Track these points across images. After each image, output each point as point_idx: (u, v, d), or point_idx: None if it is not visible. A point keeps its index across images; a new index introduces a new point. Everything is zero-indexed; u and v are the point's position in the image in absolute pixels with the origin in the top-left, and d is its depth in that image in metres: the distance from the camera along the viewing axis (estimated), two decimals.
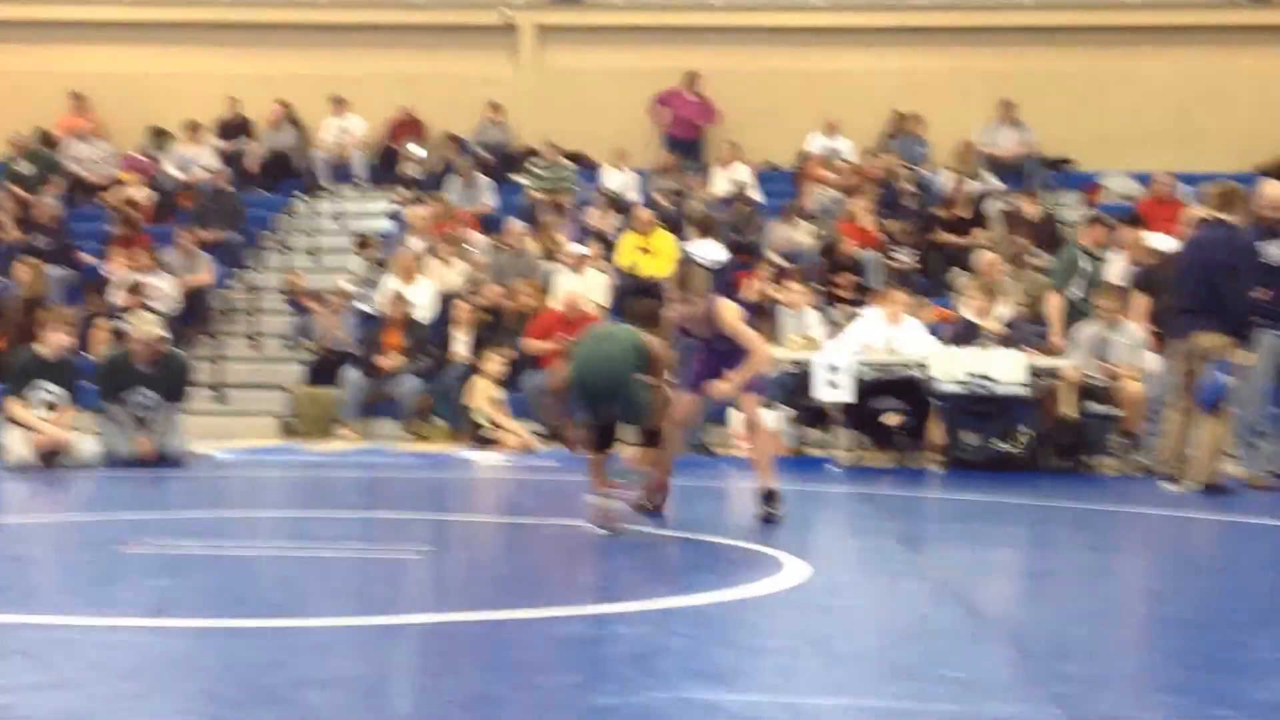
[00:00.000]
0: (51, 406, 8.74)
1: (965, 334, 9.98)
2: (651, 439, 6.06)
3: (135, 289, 12.77)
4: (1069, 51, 17.24)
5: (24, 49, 17.66)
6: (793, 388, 10.32)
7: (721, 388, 6.22)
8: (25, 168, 16.05)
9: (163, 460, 8.92)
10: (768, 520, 6.17)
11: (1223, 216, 8.28)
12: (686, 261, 6.74)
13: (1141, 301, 9.94)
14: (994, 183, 15.68)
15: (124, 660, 3.30)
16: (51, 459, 8.54)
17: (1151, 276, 9.90)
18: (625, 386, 5.81)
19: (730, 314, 6.26)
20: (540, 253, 14.05)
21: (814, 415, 10.78)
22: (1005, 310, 10.24)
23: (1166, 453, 8.47)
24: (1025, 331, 10.09)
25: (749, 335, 6.25)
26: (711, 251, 10.88)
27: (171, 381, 9.06)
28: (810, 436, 10.80)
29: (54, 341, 8.76)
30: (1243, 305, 8.14)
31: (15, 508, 7.15)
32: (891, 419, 10.07)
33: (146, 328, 8.86)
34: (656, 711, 2.90)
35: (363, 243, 14.39)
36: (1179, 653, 3.76)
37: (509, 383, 11.78)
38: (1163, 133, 16.64)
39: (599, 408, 6.00)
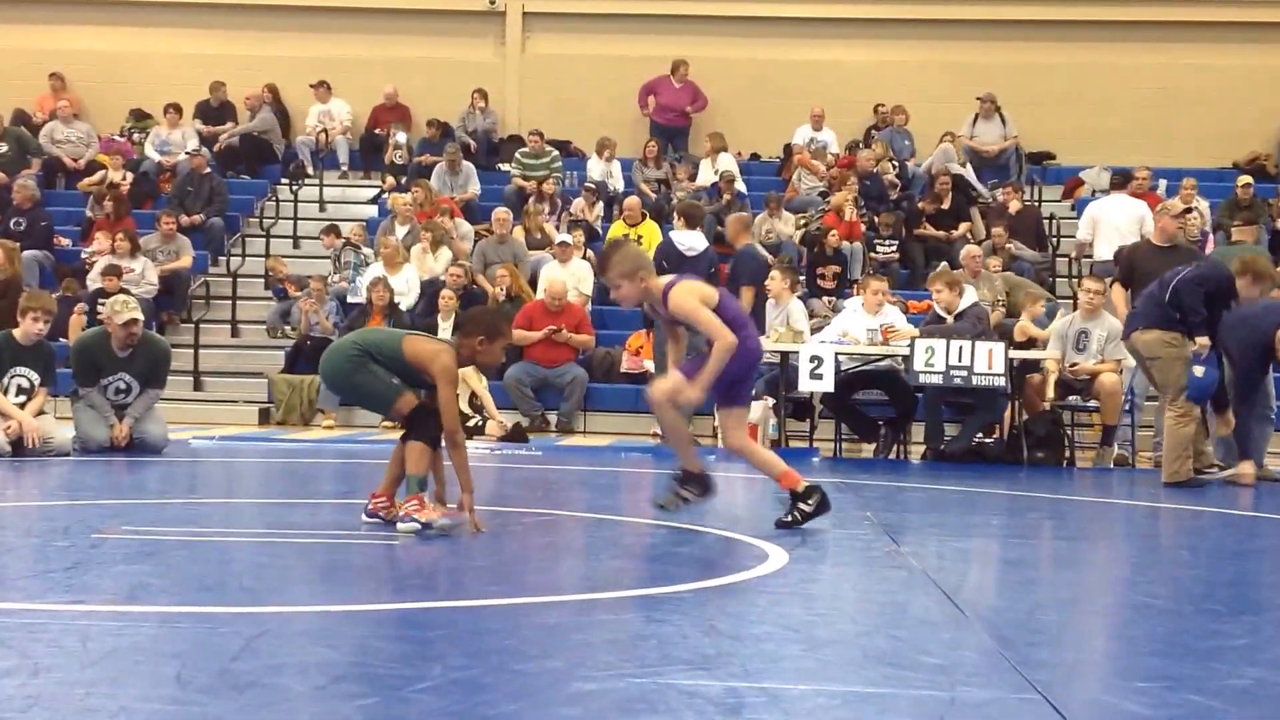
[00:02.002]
0: (27, 392, 8.67)
1: (936, 326, 10.01)
2: (410, 429, 5.38)
3: (113, 273, 12.70)
4: (1050, 46, 17.32)
5: (2, 28, 17.52)
6: (775, 379, 10.33)
7: (689, 395, 5.54)
8: (1, 149, 15.92)
9: (140, 447, 8.86)
10: (665, 506, 5.75)
11: (1237, 277, 8.28)
12: (613, 242, 6.23)
13: (1120, 292, 9.97)
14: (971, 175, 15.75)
15: (97, 646, 3.28)
16: (23, 446, 8.46)
17: (1133, 268, 9.91)
18: (341, 381, 5.42)
19: (683, 297, 5.50)
20: (525, 241, 14.03)
21: (797, 406, 10.80)
22: (970, 299, 10.26)
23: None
24: (972, 321, 10.07)
25: (710, 322, 5.44)
26: (691, 240, 10.88)
27: (149, 367, 9.00)
28: (793, 428, 10.82)
29: (29, 329, 8.66)
30: (1190, 307, 8.10)
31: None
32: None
33: (123, 312, 8.79)
34: (637, 697, 2.90)
35: (330, 229, 14.38)
36: (1153, 639, 3.78)
37: (490, 372, 11.76)
38: (1141, 127, 16.74)
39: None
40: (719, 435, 5.77)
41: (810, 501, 5.64)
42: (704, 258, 10.85)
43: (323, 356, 5.62)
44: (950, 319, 9.95)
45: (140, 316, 8.95)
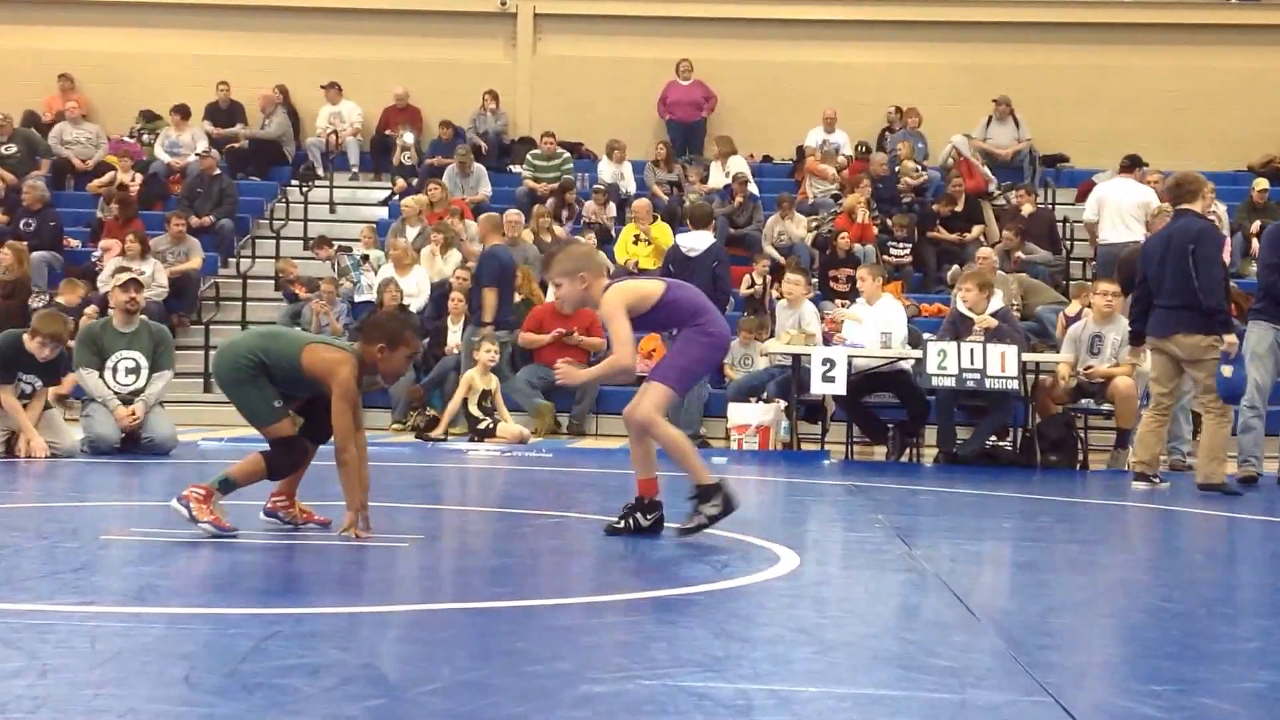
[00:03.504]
0: (29, 397, 8.62)
1: (958, 327, 9.98)
2: (270, 450, 5.22)
3: (123, 274, 12.71)
4: (1064, 48, 17.27)
5: (11, 29, 17.57)
6: (787, 381, 10.31)
7: (573, 373, 5.40)
8: (11, 150, 15.93)
9: (148, 448, 8.85)
10: (686, 529, 5.35)
11: (1185, 207, 8.15)
12: (562, 240, 5.93)
13: (1121, 296, 9.90)
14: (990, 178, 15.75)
15: (105, 647, 3.27)
16: (13, 446, 8.44)
17: (1124, 270, 9.85)
18: (227, 385, 5.25)
19: (608, 300, 5.18)
20: (536, 244, 14.01)
21: (809, 409, 10.77)
22: (997, 303, 10.26)
23: (1144, 453, 8.24)
24: (1012, 325, 10.11)
25: (617, 334, 5.16)
26: (693, 240, 10.93)
27: (154, 344, 9.04)
28: (805, 430, 10.78)
29: (37, 351, 8.56)
30: (1215, 295, 7.91)
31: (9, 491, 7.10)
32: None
33: (122, 275, 8.91)
34: (646, 699, 2.88)
35: (321, 243, 14.38)
36: (1165, 642, 3.75)
37: (502, 374, 11.74)
38: (1155, 130, 16.68)
39: None
40: (632, 410, 5.28)
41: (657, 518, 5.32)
42: (705, 256, 10.85)
43: (220, 348, 5.47)
44: (978, 319, 9.96)
45: (141, 280, 9.02)
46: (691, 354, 5.28)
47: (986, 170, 15.71)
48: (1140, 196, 12.80)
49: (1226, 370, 7.98)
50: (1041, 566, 5.34)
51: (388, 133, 16.91)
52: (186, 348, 11.39)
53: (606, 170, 15.90)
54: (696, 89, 17.06)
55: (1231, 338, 8.01)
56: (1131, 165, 13.52)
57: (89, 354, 8.90)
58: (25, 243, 13.55)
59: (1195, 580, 5.16)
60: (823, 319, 11.54)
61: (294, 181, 16.62)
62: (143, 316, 9.26)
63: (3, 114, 16.16)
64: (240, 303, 14.16)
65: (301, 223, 15.87)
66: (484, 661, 3.20)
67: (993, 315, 10.01)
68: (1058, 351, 10.31)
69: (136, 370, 8.95)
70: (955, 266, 13.78)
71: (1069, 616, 4.16)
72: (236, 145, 16.74)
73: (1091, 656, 3.63)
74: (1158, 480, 8.15)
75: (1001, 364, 9.46)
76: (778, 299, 12.04)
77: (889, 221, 14.55)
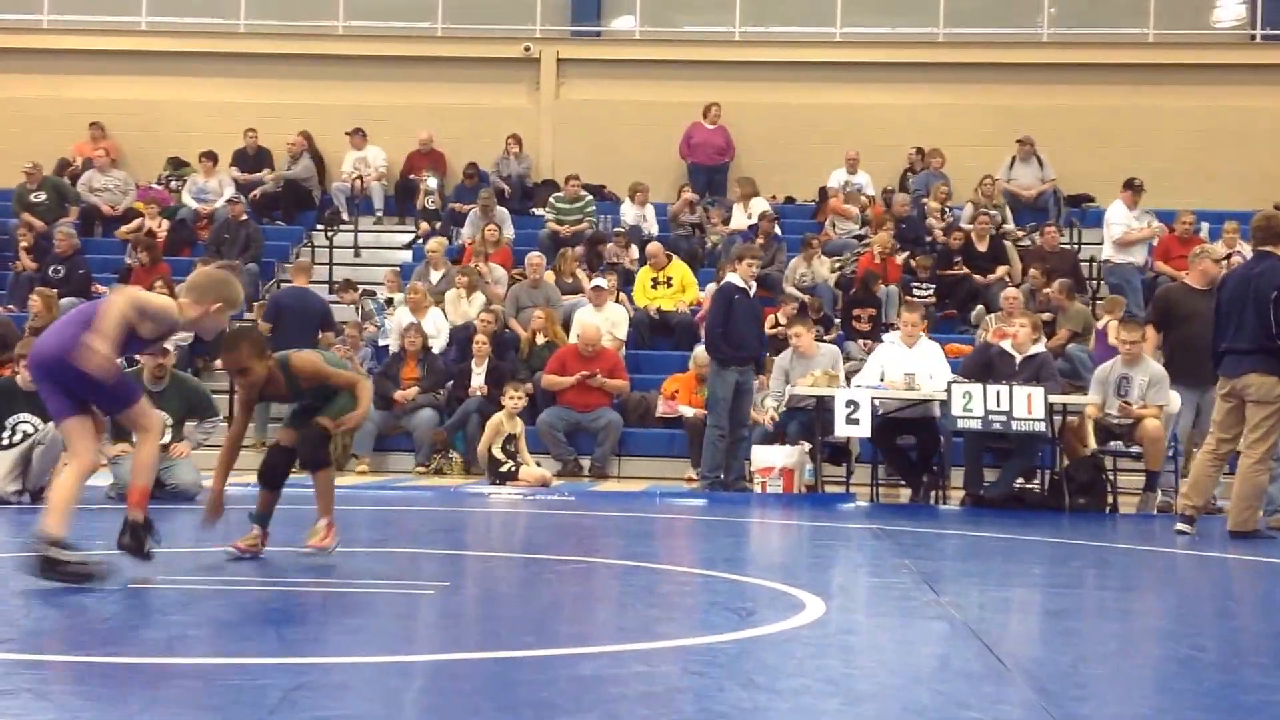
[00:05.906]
0: (29, 438, 8.55)
1: (995, 365, 9.98)
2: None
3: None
4: (1087, 89, 17.27)
5: (43, 78, 17.80)
6: (811, 423, 10.27)
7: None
8: (40, 197, 16.07)
9: (173, 494, 8.86)
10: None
11: (1268, 249, 7.89)
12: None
13: (1153, 336, 9.82)
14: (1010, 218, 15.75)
15: (135, 697, 3.27)
16: (39, 495, 8.45)
17: (1168, 311, 9.78)
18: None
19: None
20: (559, 286, 14.06)
21: (834, 451, 10.72)
22: (1039, 347, 10.27)
23: (1198, 497, 8.05)
24: (1051, 369, 10.10)
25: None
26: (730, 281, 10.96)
27: (185, 403, 9.10)
28: (830, 473, 10.72)
29: (26, 377, 8.58)
30: None
31: (20, 540, 7.11)
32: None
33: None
34: None
35: (345, 286, 14.45)
36: (1198, 693, 3.70)
37: (525, 417, 11.73)
38: (1180, 169, 16.63)
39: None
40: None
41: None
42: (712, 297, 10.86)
43: None
44: (1019, 358, 9.96)
45: (168, 348, 9.05)
46: None
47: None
48: (1113, 216, 14.04)
49: None
50: (1072, 614, 5.28)
51: (412, 177, 17.02)
52: (210, 391, 11.42)
53: (629, 212, 15.96)
54: (719, 134, 17.12)
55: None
56: (1125, 187, 14.31)
57: None
58: (54, 290, 13.64)
59: (1229, 628, 5.10)
60: (846, 358, 11.49)
61: (319, 226, 16.73)
62: (174, 370, 9.31)
63: (33, 162, 16.33)
64: None
65: (326, 266, 15.94)
66: (510, 713, 3.18)
67: (1033, 357, 10.01)
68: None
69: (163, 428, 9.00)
70: (979, 307, 13.75)
71: (1100, 666, 4.11)
72: (264, 190, 16.88)
73: (1123, 708, 3.58)
74: (1193, 529, 7.99)
75: (1028, 406, 9.41)
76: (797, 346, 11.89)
77: (912, 262, 14.52)
